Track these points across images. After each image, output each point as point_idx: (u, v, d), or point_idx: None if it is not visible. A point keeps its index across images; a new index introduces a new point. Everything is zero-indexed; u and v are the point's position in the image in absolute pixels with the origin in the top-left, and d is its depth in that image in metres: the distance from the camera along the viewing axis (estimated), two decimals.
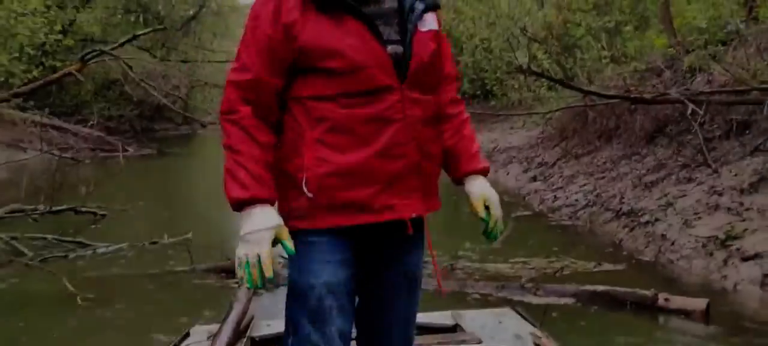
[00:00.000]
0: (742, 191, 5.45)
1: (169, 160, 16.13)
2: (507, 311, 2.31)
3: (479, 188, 1.74)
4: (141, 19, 21.15)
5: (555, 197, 8.02)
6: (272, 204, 1.62)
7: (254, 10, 1.64)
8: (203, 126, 26.28)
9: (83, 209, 6.93)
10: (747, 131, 6.51)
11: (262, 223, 1.55)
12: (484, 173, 1.77)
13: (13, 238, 5.32)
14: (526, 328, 2.11)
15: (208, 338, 2.13)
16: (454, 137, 1.76)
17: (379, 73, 1.60)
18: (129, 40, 7.87)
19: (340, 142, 1.60)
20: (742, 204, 5.25)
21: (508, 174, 10.61)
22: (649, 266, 5.12)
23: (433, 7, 1.71)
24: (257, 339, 2.10)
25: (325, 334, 1.62)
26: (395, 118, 1.61)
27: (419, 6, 1.66)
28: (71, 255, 5.54)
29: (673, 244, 5.23)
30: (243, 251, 1.55)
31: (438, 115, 1.75)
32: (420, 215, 1.69)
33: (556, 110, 10.55)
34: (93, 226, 6.85)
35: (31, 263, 4.97)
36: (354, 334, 1.75)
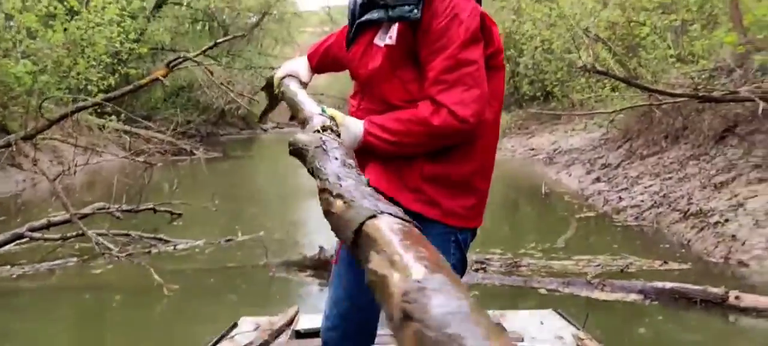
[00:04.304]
0: None
1: (235, 162, 16.65)
2: (549, 312, 2.38)
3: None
4: (207, 27, 21.87)
5: (619, 198, 7.95)
6: (310, 64, 2.07)
7: None
8: (265, 130, 26.96)
9: (162, 209, 7.29)
10: None
11: (290, 62, 2.09)
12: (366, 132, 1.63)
13: (100, 234, 5.67)
14: (568, 329, 2.17)
15: (255, 329, 2.26)
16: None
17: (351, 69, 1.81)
18: (210, 48, 8.20)
19: None
20: None
21: (570, 176, 10.53)
22: (718, 266, 5.06)
23: (395, 19, 1.60)
24: (301, 332, 2.25)
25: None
26: (352, 113, 1.75)
27: (368, 16, 1.65)
28: (154, 250, 5.88)
29: (743, 244, 5.16)
30: (277, 71, 2.10)
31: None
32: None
33: (622, 110, 10.42)
34: (172, 223, 7.21)
35: (118, 257, 5.30)
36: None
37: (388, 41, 1.61)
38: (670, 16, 10.75)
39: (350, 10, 1.77)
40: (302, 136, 1.34)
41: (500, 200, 9.46)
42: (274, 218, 7.61)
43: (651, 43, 10.91)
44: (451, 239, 1.73)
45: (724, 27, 10.54)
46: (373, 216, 0.86)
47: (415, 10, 1.56)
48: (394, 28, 1.60)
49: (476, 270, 4.69)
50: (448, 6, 1.56)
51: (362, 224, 0.85)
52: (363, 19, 1.65)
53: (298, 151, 1.32)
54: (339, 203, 0.98)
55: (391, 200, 1.60)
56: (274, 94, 2.28)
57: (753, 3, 9.27)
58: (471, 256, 5.04)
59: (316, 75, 2.12)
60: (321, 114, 1.56)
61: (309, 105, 1.65)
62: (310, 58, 2.08)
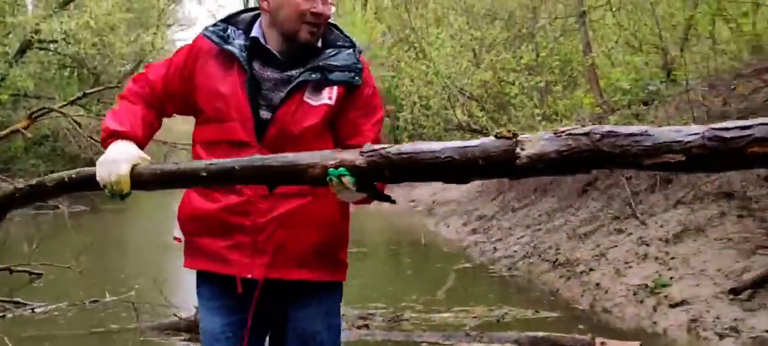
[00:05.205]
0: (667, 242, 5.81)
1: (103, 216, 15.70)
2: None
3: None
4: (76, 74, 20.78)
5: (495, 248, 8.28)
6: (135, 142, 1.77)
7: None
8: None
9: (19, 269, 6.71)
10: (670, 185, 6.96)
11: (121, 151, 1.71)
12: None
13: None
14: None
15: None
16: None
17: (241, 128, 1.75)
18: (79, 98, 7.77)
19: (203, 189, 1.80)
20: (667, 253, 5.60)
21: (448, 227, 10.85)
22: (585, 313, 5.36)
23: (335, 83, 1.77)
24: None
25: None
26: None
27: (307, 76, 1.76)
28: (8, 315, 5.38)
29: (606, 292, 5.51)
30: (106, 171, 1.68)
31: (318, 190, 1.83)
32: (256, 278, 1.76)
33: None
34: (31, 284, 6.65)
35: None
36: None
37: (327, 101, 1.77)
38: (535, 77, 11.52)
39: (240, 60, 1.77)
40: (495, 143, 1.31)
41: (383, 253, 9.55)
42: (146, 275, 7.22)
43: (520, 101, 11.62)
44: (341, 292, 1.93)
45: (583, 88, 11.46)
46: None
47: (358, 78, 1.79)
48: (334, 90, 1.77)
49: (359, 327, 4.68)
50: (369, 76, 1.85)
51: None
52: (301, 79, 1.75)
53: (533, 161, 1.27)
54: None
55: (329, 285, 1.84)
56: None
57: (608, 68, 10.17)
58: (353, 311, 5.03)
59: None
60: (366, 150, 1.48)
61: (318, 154, 1.52)
62: (131, 135, 1.78)
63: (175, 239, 1.90)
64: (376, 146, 1.46)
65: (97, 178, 1.68)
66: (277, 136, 1.74)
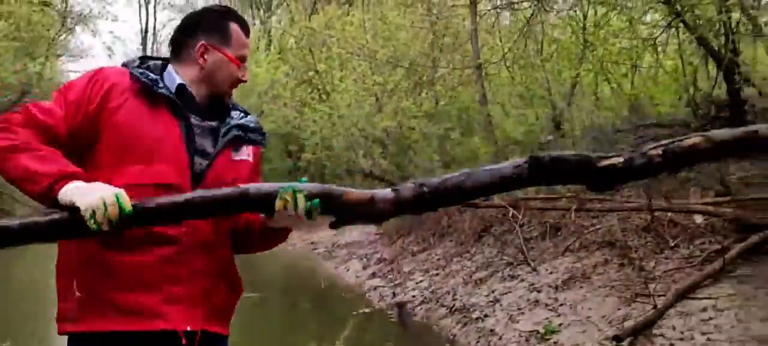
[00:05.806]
0: (556, 288, 6.10)
1: None
2: None
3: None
4: None
5: (394, 293, 8.34)
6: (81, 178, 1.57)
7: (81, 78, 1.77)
8: None
9: None
10: (559, 233, 7.33)
11: (94, 184, 1.52)
12: None
13: None
14: None
15: None
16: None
17: (173, 171, 1.70)
18: None
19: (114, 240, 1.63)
20: (557, 300, 5.87)
21: (348, 270, 10.84)
22: None
23: (252, 142, 1.90)
24: None
25: None
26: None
27: (236, 132, 1.85)
28: None
29: (500, 338, 5.68)
30: (96, 195, 1.47)
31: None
32: (194, 329, 1.71)
33: None
34: None
35: None
36: None
37: (247, 158, 1.88)
38: (435, 125, 11.88)
39: (176, 104, 1.75)
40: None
41: (279, 298, 9.39)
42: (23, 325, 6.74)
43: (419, 147, 11.92)
44: None
45: (479, 136, 11.94)
46: None
47: (265, 142, 1.93)
48: (250, 149, 1.89)
49: None
50: None
51: None
52: (232, 134, 1.83)
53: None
54: None
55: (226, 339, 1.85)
56: None
57: (502, 119, 10.65)
58: None
59: None
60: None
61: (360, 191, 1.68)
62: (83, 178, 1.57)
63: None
64: (414, 182, 1.65)
65: (83, 206, 1.45)
66: (213, 182, 1.73)
